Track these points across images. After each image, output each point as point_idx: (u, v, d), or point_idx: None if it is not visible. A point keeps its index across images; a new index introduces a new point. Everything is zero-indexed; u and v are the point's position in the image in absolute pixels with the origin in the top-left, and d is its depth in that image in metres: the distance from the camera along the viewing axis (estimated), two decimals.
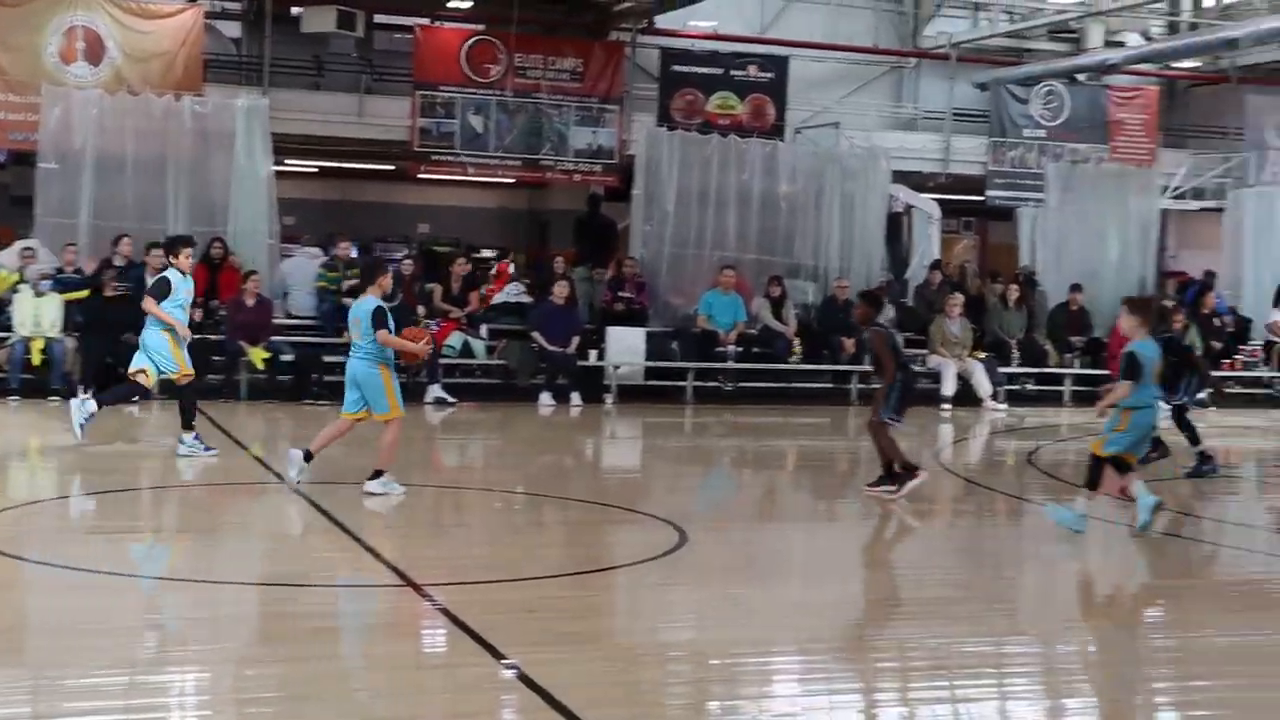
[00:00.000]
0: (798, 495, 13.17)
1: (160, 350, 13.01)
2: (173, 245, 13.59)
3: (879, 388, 12.25)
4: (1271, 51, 29.80)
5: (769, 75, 27.55)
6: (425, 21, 25.59)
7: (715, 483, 13.70)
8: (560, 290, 19.50)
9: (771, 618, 8.21)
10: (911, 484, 11.88)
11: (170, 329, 13.00)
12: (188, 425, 13.03)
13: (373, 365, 11.10)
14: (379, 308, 11.09)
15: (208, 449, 13.02)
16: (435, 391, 18.04)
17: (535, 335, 19.10)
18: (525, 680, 6.54)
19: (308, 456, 11.45)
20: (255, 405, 17.40)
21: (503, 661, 6.83)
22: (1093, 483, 10.50)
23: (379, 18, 25.87)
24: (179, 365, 13.09)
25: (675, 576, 9.15)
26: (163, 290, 13.04)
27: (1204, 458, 13.94)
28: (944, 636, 7.81)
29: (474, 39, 24.92)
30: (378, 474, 11.15)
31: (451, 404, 17.96)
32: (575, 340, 19.21)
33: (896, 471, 11.94)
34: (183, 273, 13.18)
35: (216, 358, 17.90)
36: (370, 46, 26.08)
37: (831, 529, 11.73)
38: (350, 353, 11.34)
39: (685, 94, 26.83)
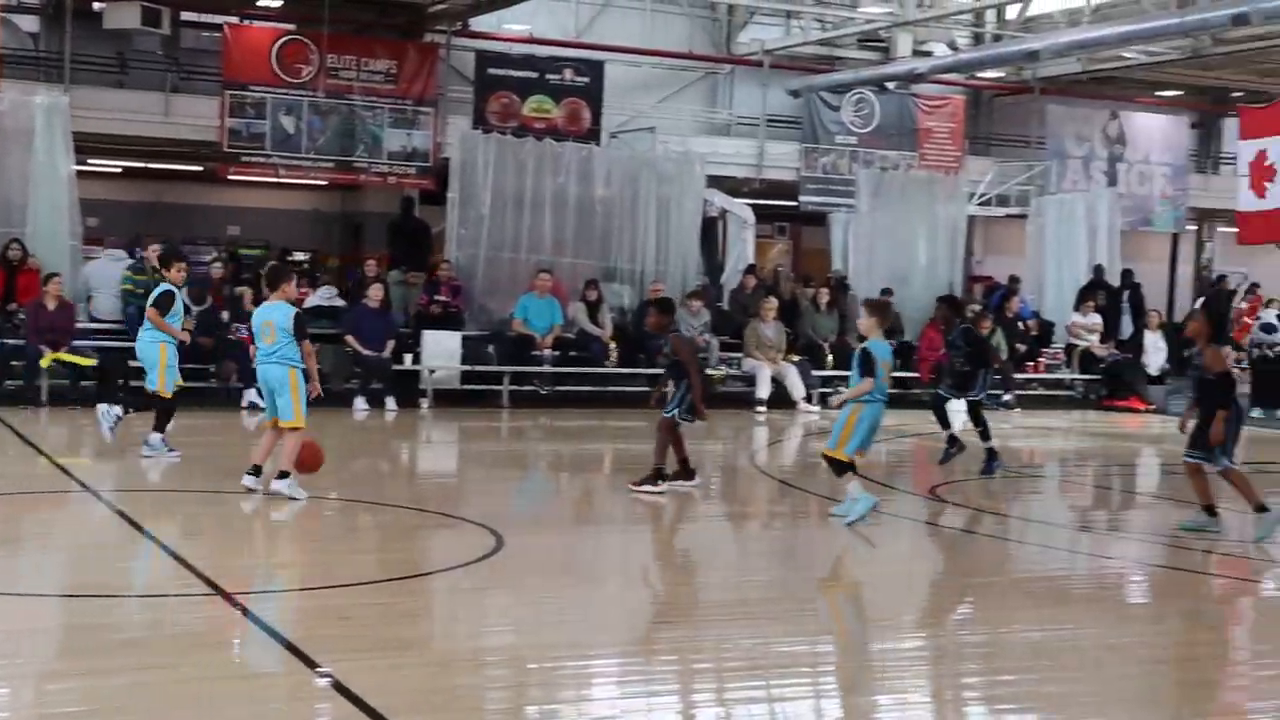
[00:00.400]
0: (615, 498, 13.16)
1: None
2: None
3: (669, 389, 12.40)
4: (1070, 63, 30.77)
5: (584, 79, 27.58)
6: (234, 20, 25.11)
7: (532, 487, 13.65)
8: (375, 293, 19.27)
9: (589, 621, 8.19)
10: (678, 485, 12.14)
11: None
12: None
13: (285, 369, 11.30)
14: (298, 314, 11.51)
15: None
16: (250, 396, 17.67)
17: (349, 339, 18.83)
18: (340, 689, 6.41)
19: (256, 470, 11.50)
20: (57, 411, 16.85)
21: (317, 670, 6.69)
22: (841, 470, 11.21)
23: (186, 15, 25.31)
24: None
25: (491, 581, 9.08)
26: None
27: (991, 454, 14.38)
28: (759, 637, 7.86)
29: (284, 38, 24.53)
30: (284, 474, 11.25)
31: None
32: (390, 344, 19.00)
33: (666, 473, 12.22)
34: None
35: (15, 363, 17.34)
36: (177, 44, 25.49)
37: (649, 532, 11.74)
38: (260, 359, 11.54)
39: (500, 97, 26.73)
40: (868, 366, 11.02)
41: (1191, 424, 11.25)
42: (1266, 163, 28.54)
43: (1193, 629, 8.78)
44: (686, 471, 12.36)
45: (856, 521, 10.96)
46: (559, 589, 9.02)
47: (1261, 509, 11.03)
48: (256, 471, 11.47)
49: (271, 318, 11.34)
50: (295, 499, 11.18)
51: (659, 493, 12.15)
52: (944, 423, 14.73)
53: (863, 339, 11.69)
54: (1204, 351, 11.25)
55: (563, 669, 7.11)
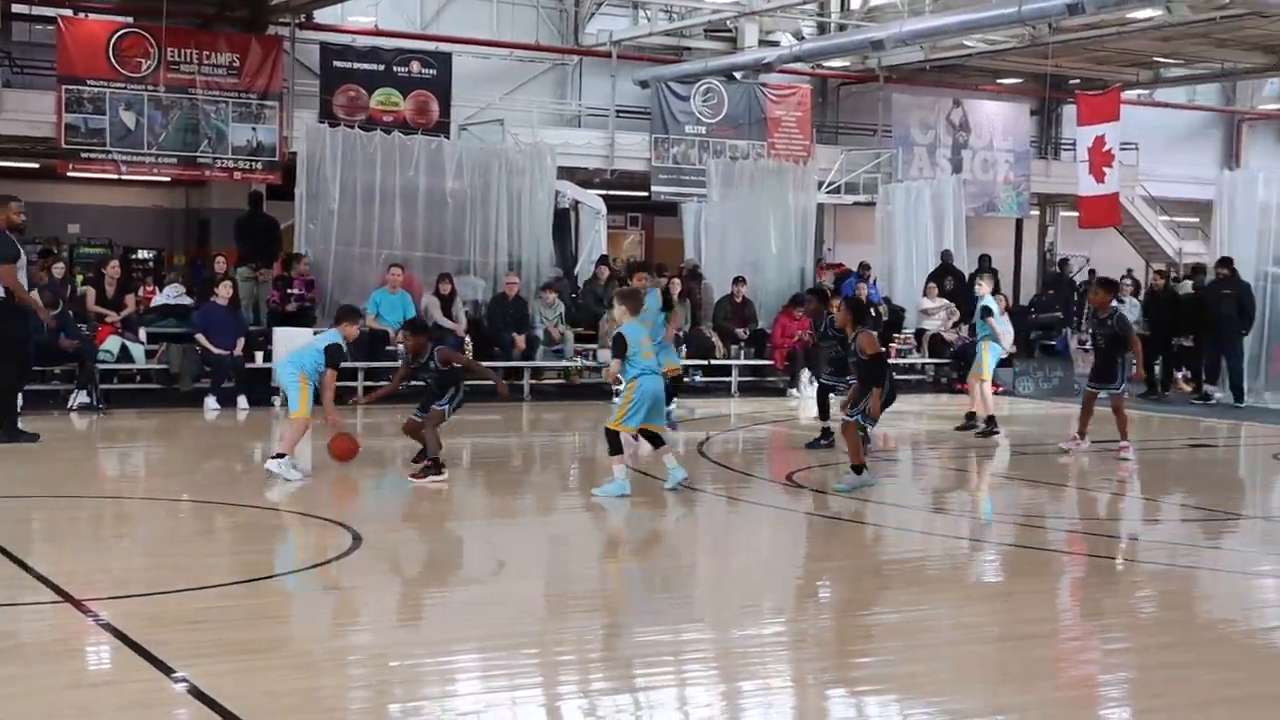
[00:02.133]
0: (473, 493, 13.09)
1: None
2: None
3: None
4: (913, 52, 31.26)
5: (432, 72, 27.41)
6: (68, 12, 24.52)
7: (389, 484, 13.50)
8: (223, 291, 18.93)
9: (451, 617, 8.13)
10: (428, 480, 12.42)
11: None
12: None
13: (297, 371, 12.63)
14: (338, 345, 12.71)
15: None
16: (80, 398, 17.26)
17: (199, 338, 18.49)
18: (197, 694, 6.29)
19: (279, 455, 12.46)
20: None
21: (172, 675, 6.55)
22: (615, 450, 11.99)
23: (16, 7, 24.69)
24: None
25: (351, 579, 8.97)
26: None
27: (825, 433, 15.36)
28: (622, 627, 7.86)
29: (122, 32, 24.02)
30: (279, 455, 12.45)
31: (100, 409, 17.17)
32: (240, 342, 18.68)
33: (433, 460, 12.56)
34: None
35: None
36: (8, 37, 24.82)
37: (508, 526, 11.69)
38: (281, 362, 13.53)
39: (347, 90, 26.48)
40: (619, 348, 11.86)
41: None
42: (1105, 148, 29.35)
43: (1043, 606, 8.96)
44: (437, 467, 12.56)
45: (603, 497, 11.74)
46: (420, 586, 8.94)
47: (858, 469, 12.51)
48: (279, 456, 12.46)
49: (315, 339, 12.71)
50: (288, 479, 12.22)
51: (441, 481, 12.44)
52: (824, 413, 15.56)
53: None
54: (856, 338, 12.60)
55: (425, 666, 7.05)
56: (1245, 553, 10.97)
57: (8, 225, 13.48)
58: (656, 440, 12.40)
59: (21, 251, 13.65)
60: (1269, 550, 11.16)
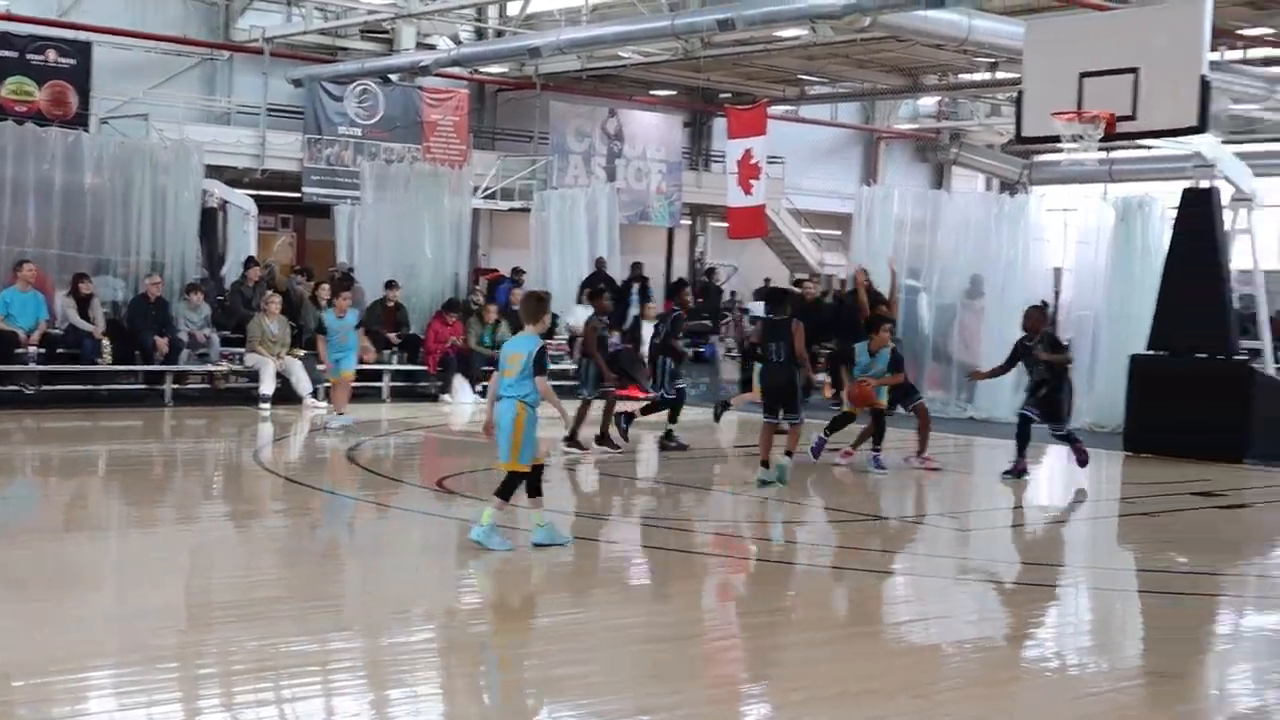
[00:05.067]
0: (110, 502, 12.52)
1: None
2: None
3: None
4: (570, 61, 31.60)
5: (70, 61, 26.26)
6: None
7: (18, 492, 12.80)
8: None
9: (83, 631, 7.71)
10: None
11: None
12: None
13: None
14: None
15: None
16: None
17: None
18: None
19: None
20: None
21: None
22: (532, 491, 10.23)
23: None
24: None
25: None
26: None
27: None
28: (267, 637, 7.62)
29: None
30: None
31: None
32: None
33: None
34: None
35: None
36: None
37: (147, 535, 11.19)
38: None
39: None
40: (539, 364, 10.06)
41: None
42: (752, 161, 30.26)
43: (690, 607, 9.11)
44: None
45: (482, 541, 10.01)
46: (48, 600, 8.46)
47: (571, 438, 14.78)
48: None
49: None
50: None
51: None
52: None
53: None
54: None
55: (54, 683, 6.65)
56: (881, 552, 11.40)
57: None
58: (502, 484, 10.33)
59: None
60: (902, 550, 11.63)
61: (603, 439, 16.18)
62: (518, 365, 9.99)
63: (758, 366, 15.93)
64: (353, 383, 18.44)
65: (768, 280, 33.56)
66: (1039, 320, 15.10)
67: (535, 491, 10.16)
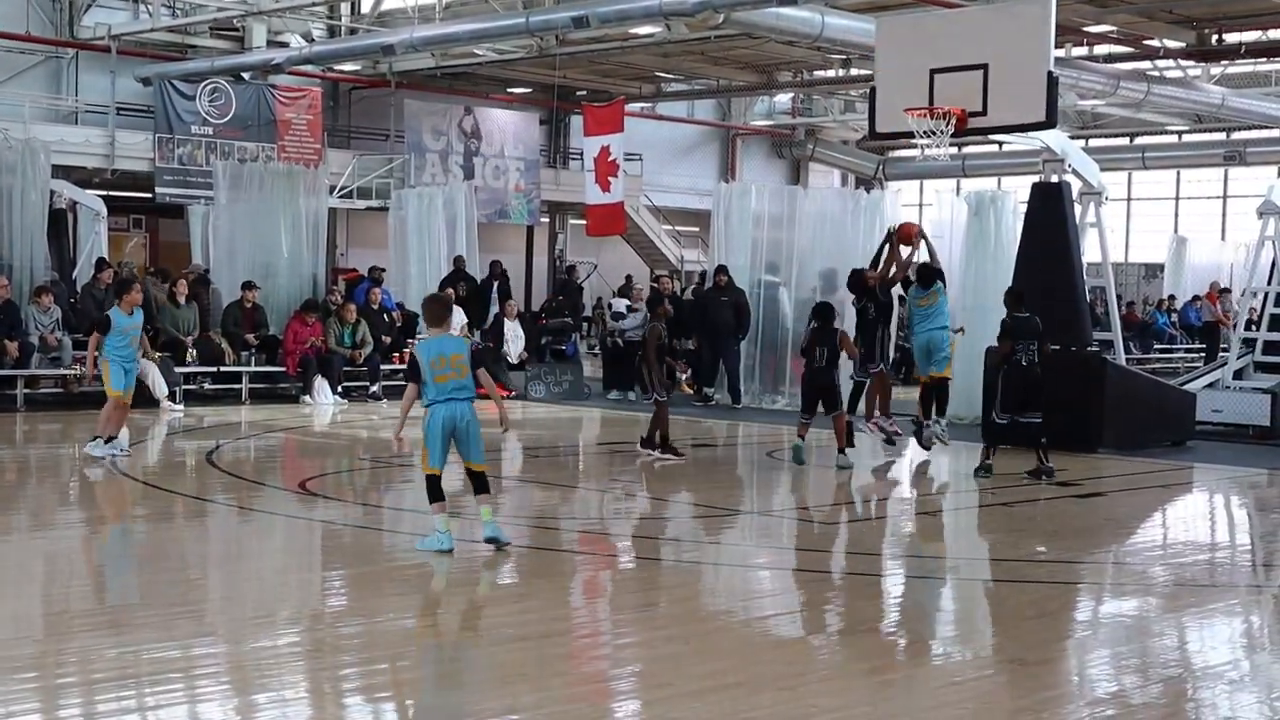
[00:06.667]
0: None
1: None
2: None
3: None
4: (425, 59, 31.44)
5: None
6: None
7: None
8: None
9: None
10: None
11: None
12: None
13: None
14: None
15: None
16: None
17: None
18: None
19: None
20: None
21: None
22: (434, 496, 10.17)
23: None
24: None
25: None
26: None
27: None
28: (128, 645, 7.51)
29: None
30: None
31: None
32: None
33: None
34: None
35: None
36: None
37: (0, 543, 10.93)
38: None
39: None
40: (412, 369, 10.16)
41: None
42: (610, 158, 30.37)
43: (556, 605, 9.12)
44: None
45: (426, 549, 10.07)
46: None
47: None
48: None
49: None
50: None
51: None
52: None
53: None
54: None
55: None
56: (744, 547, 11.52)
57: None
58: (480, 482, 10.36)
59: None
60: (765, 544, 11.77)
61: (652, 442, 15.82)
62: (463, 366, 9.97)
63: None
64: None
65: (629, 278, 33.67)
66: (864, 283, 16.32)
67: (438, 496, 10.09)
